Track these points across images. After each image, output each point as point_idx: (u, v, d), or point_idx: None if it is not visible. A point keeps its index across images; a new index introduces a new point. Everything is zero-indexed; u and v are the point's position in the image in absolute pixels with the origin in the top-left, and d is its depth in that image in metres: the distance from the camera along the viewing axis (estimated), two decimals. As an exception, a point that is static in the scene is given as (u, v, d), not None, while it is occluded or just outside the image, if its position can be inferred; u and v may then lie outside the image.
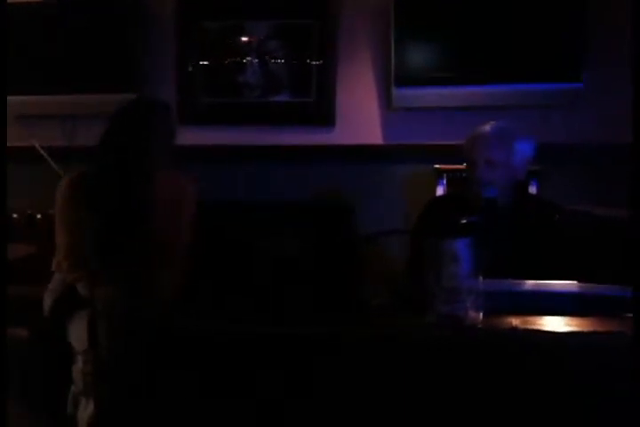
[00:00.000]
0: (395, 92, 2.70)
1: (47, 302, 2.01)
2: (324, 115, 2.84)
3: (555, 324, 1.54)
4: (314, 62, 2.82)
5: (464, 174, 2.17)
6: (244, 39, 2.87)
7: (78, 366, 1.82)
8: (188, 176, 2.16)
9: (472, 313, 1.50)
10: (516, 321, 1.52)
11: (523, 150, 2.04)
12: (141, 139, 2.05)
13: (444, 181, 2.58)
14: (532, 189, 2.45)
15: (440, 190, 2.57)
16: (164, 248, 1.96)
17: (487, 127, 2.07)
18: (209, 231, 1.88)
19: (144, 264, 1.94)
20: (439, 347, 1.48)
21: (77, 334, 1.83)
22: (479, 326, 1.50)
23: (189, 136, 2.96)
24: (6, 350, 1.65)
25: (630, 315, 1.43)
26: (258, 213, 1.77)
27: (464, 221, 1.73)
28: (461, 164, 2.19)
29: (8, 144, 3.01)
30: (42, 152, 2.81)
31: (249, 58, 2.87)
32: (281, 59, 2.84)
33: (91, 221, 1.95)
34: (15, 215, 2.84)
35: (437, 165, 2.63)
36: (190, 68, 2.92)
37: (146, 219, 1.98)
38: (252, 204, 2.45)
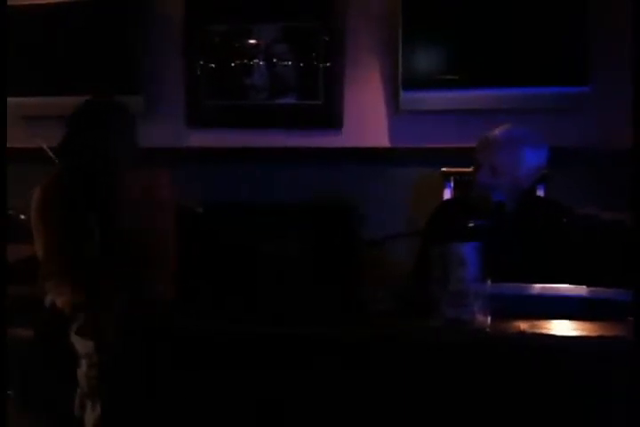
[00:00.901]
0: (402, 94, 2.70)
1: (47, 303, 2.00)
2: (331, 117, 2.84)
3: (563, 328, 1.53)
4: (321, 65, 2.82)
5: (472, 175, 2.16)
6: (252, 42, 2.87)
7: (83, 370, 1.82)
8: (159, 175, 2.16)
9: (479, 317, 1.49)
10: (523, 325, 1.52)
11: (530, 159, 2.02)
12: (99, 139, 2.05)
13: (452, 185, 2.57)
14: (540, 193, 2.44)
15: (447, 194, 2.56)
16: (140, 248, 1.97)
17: (498, 133, 2.04)
18: (214, 233, 1.88)
19: (125, 265, 1.94)
20: (446, 351, 1.48)
21: (81, 337, 1.83)
22: (487, 329, 1.49)
23: (197, 138, 2.98)
24: (6, 350, 1.65)
25: (638, 319, 1.43)
26: (263, 215, 1.77)
27: (472, 225, 1.73)
28: (469, 167, 2.19)
29: (13, 145, 3.03)
30: (49, 153, 2.81)
31: (256, 60, 2.87)
32: (288, 61, 2.84)
33: (64, 227, 1.96)
34: (23, 216, 2.84)
35: (445, 169, 2.62)
36: (197, 71, 2.93)
37: (116, 219, 1.98)
38: (258, 206, 2.45)
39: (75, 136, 2.09)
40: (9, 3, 2.86)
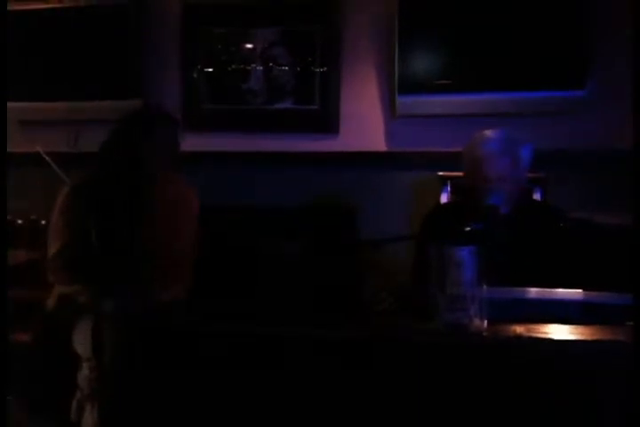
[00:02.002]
0: (398, 99, 2.71)
1: (50, 305, 2.02)
2: (327, 122, 2.84)
3: (559, 332, 1.54)
4: (318, 69, 2.83)
5: (467, 178, 2.15)
6: (249, 46, 2.88)
7: (84, 373, 1.82)
8: (191, 186, 2.18)
9: (476, 321, 1.50)
10: (520, 329, 1.52)
11: (524, 158, 2.04)
12: (136, 152, 2.07)
13: (449, 188, 2.58)
14: (536, 196, 2.44)
15: (444, 197, 2.57)
16: (164, 255, 1.98)
17: (491, 141, 2.02)
18: (213, 235, 1.89)
19: (147, 269, 1.96)
20: (443, 354, 1.48)
21: (82, 340, 1.84)
22: (483, 333, 1.49)
23: (193, 142, 2.96)
24: (6, 351, 1.65)
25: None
26: (261, 219, 1.78)
27: (468, 229, 1.73)
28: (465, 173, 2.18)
29: (11, 150, 3.04)
30: (46, 158, 2.81)
31: (253, 65, 2.88)
32: (285, 66, 2.85)
33: (90, 227, 1.97)
34: (20, 221, 2.84)
35: (441, 173, 2.62)
36: (195, 75, 2.93)
37: (144, 225, 2.00)
38: (256, 209, 2.46)
39: (113, 145, 2.10)
40: (11, 7, 2.88)
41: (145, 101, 2.24)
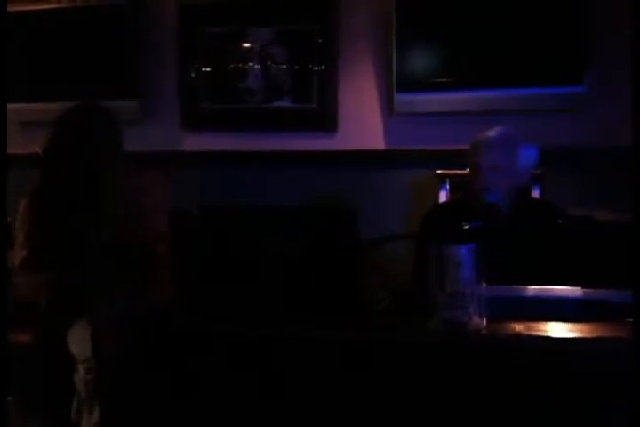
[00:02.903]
0: (397, 97, 2.70)
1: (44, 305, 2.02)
2: (326, 120, 2.84)
3: (558, 330, 1.53)
4: (315, 68, 2.82)
5: (467, 178, 2.17)
6: (246, 45, 2.88)
7: (80, 375, 1.82)
8: (150, 177, 2.17)
9: (475, 319, 1.49)
10: (519, 327, 1.52)
11: (526, 156, 2.04)
12: (78, 153, 2.06)
13: (447, 186, 2.57)
14: (535, 194, 2.44)
15: (443, 195, 2.56)
16: (131, 249, 1.98)
17: (491, 133, 2.07)
18: (210, 236, 1.88)
19: (118, 267, 1.95)
20: (442, 352, 1.48)
21: (78, 342, 1.83)
22: (482, 331, 1.49)
23: (192, 142, 2.98)
24: (6, 351, 1.65)
25: (634, 320, 1.43)
26: (260, 218, 1.78)
27: (467, 227, 1.73)
28: (464, 169, 2.19)
29: (12, 151, 3.03)
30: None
31: (251, 64, 2.87)
32: (283, 64, 2.85)
33: (49, 233, 1.98)
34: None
35: (440, 171, 2.62)
36: (193, 74, 2.93)
37: (101, 225, 2.00)
38: (255, 208, 2.45)
39: (59, 142, 2.10)
40: (11, 8, 2.87)
41: (83, 100, 2.22)
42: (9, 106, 2.91)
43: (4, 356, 1.62)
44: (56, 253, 1.99)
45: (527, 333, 1.50)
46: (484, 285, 1.51)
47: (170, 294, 1.80)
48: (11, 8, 2.90)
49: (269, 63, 2.86)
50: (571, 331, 1.53)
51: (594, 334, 1.50)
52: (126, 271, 1.95)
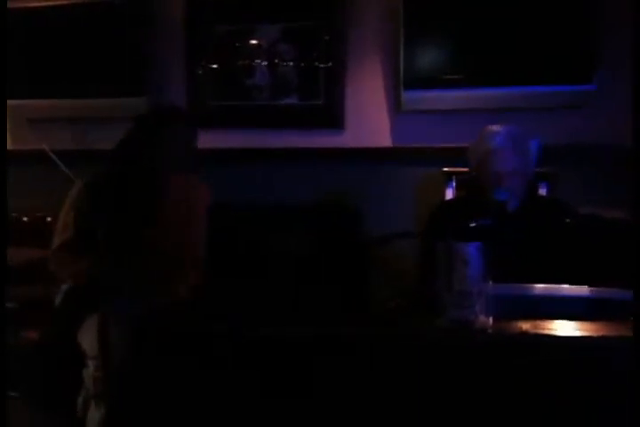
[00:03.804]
0: (404, 94, 2.69)
1: (57, 301, 2.03)
2: (332, 117, 2.83)
3: (565, 328, 1.53)
4: (322, 65, 2.82)
5: (474, 174, 2.15)
6: (254, 42, 2.87)
7: (89, 371, 1.83)
8: (204, 186, 2.19)
9: (482, 317, 1.49)
10: (526, 326, 1.51)
11: (532, 151, 2.03)
12: (145, 151, 2.09)
13: (454, 184, 2.56)
14: (543, 191, 2.43)
15: (449, 193, 2.56)
16: (176, 253, 1.99)
17: (499, 136, 2.03)
18: (219, 232, 1.89)
19: (156, 268, 1.96)
20: (449, 351, 1.48)
21: (89, 338, 1.84)
22: (489, 330, 1.49)
23: (199, 139, 2.97)
24: (5, 350, 1.66)
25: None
26: (267, 215, 1.78)
27: (474, 225, 1.72)
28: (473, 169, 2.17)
29: (18, 147, 3.05)
30: (52, 156, 2.83)
31: (258, 61, 2.87)
32: (290, 61, 2.84)
33: (98, 225, 1.99)
34: (25, 218, 2.85)
35: (447, 168, 2.61)
36: (200, 71, 2.93)
37: (155, 225, 2.01)
38: (262, 206, 2.46)
39: (128, 145, 2.13)
40: (17, 5, 2.89)
41: (158, 101, 2.24)
42: (16, 102, 2.93)
43: (3, 356, 1.63)
44: (101, 242, 2.00)
45: (534, 331, 1.49)
46: (491, 283, 1.51)
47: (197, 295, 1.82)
48: (18, 4, 2.92)
49: (277, 60, 2.85)
50: (578, 330, 1.52)
51: (601, 333, 1.49)
52: (155, 275, 1.96)
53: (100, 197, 2.05)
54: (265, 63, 2.87)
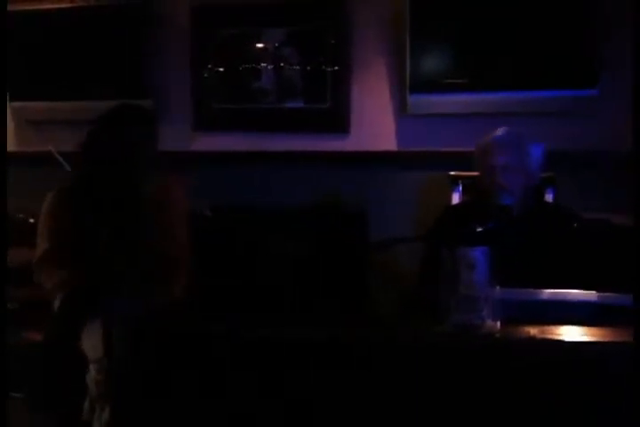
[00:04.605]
0: (409, 98, 2.70)
1: (56, 305, 2.03)
2: (338, 121, 2.83)
3: (572, 333, 1.53)
4: (328, 69, 2.82)
5: (478, 177, 2.16)
6: (259, 45, 2.88)
7: (92, 375, 1.83)
8: (178, 185, 2.18)
9: (489, 322, 1.49)
10: (533, 330, 1.51)
11: (534, 154, 2.04)
12: (107, 153, 2.07)
13: (460, 188, 2.56)
14: (549, 197, 2.42)
15: (455, 197, 2.55)
16: (157, 253, 1.99)
17: (499, 133, 2.08)
18: (222, 234, 1.88)
19: (137, 270, 1.96)
20: (455, 355, 1.47)
21: (91, 342, 1.84)
22: (496, 335, 1.48)
23: (204, 142, 2.98)
24: (5, 350, 1.65)
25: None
26: (271, 218, 1.78)
27: (480, 230, 1.72)
28: (476, 171, 2.18)
29: (21, 149, 3.05)
30: (57, 157, 2.82)
31: (264, 64, 2.87)
32: (296, 65, 2.84)
33: (75, 230, 1.98)
34: (32, 220, 2.85)
35: (452, 172, 2.61)
36: (205, 75, 2.93)
37: (131, 226, 2.00)
38: (266, 209, 2.46)
39: (99, 146, 2.10)
40: (20, 7, 2.89)
41: (121, 101, 2.22)
42: (17, 104, 2.94)
43: (3, 356, 1.62)
44: (80, 251, 1.99)
45: (541, 336, 1.49)
46: (497, 288, 1.50)
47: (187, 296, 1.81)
48: (23, 6, 2.93)
49: (282, 64, 2.85)
50: (585, 335, 1.52)
51: (608, 338, 1.49)
52: (147, 276, 1.96)
53: (75, 200, 2.04)
54: (270, 66, 2.87)
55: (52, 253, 2.03)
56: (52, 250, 2.03)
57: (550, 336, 1.49)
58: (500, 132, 2.08)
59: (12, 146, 3.03)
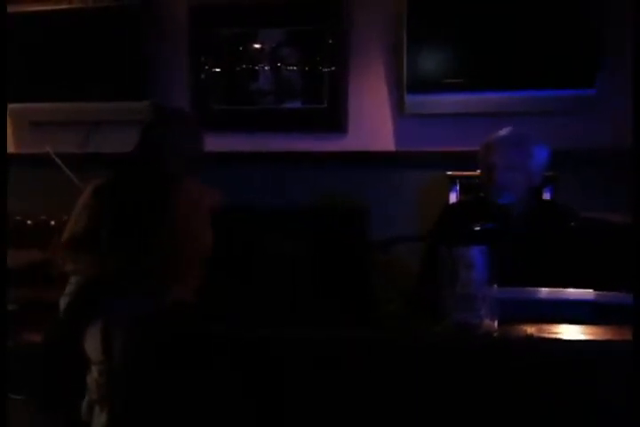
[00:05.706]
0: (407, 98, 2.70)
1: (62, 305, 2.03)
2: (336, 121, 2.84)
3: (570, 332, 1.53)
4: (326, 69, 2.82)
5: (477, 180, 2.17)
6: (257, 46, 2.88)
7: (93, 376, 1.83)
8: (209, 188, 2.20)
9: (487, 321, 1.49)
10: (531, 329, 1.51)
11: (538, 155, 2.04)
12: (155, 155, 2.12)
13: (457, 188, 2.57)
14: (548, 196, 2.43)
15: (453, 197, 2.56)
16: (179, 254, 1.99)
17: (503, 132, 2.07)
18: (222, 235, 1.88)
19: (159, 270, 1.96)
20: (453, 355, 1.48)
21: (93, 344, 1.84)
22: (494, 334, 1.48)
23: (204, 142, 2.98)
24: (5, 350, 1.65)
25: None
26: (270, 219, 1.78)
27: (478, 229, 1.72)
28: (474, 170, 2.19)
29: (21, 151, 3.05)
30: (55, 159, 2.83)
31: (262, 65, 2.87)
32: (293, 66, 2.84)
33: (106, 227, 1.99)
34: (29, 222, 2.86)
35: (450, 172, 2.61)
36: (203, 76, 2.94)
37: (162, 227, 2.01)
38: (265, 209, 2.45)
39: (137, 148, 2.15)
40: (19, 9, 2.89)
41: (160, 103, 2.26)
42: (19, 105, 2.94)
43: (3, 356, 1.63)
44: (107, 240, 2.01)
45: (539, 335, 1.49)
46: (495, 287, 1.50)
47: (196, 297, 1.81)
48: (22, 8, 2.93)
49: (280, 64, 2.86)
50: (583, 334, 1.52)
51: (606, 337, 1.49)
52: (149, 273, 1.97)
53: (107, 199, 2.06)
54: (268, 67, 2.87)
55: (82, 236, 2.05)
56: (83, 234, 2.05)
57: (548, 335, 1.49)
58: (503, 131, 2.08)
59: (12, 147, 3.04)
